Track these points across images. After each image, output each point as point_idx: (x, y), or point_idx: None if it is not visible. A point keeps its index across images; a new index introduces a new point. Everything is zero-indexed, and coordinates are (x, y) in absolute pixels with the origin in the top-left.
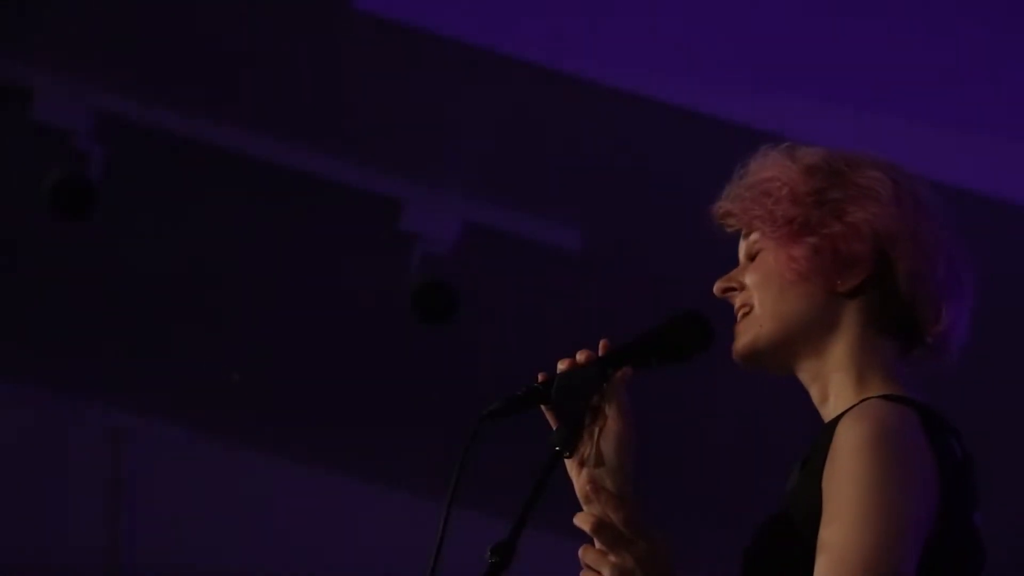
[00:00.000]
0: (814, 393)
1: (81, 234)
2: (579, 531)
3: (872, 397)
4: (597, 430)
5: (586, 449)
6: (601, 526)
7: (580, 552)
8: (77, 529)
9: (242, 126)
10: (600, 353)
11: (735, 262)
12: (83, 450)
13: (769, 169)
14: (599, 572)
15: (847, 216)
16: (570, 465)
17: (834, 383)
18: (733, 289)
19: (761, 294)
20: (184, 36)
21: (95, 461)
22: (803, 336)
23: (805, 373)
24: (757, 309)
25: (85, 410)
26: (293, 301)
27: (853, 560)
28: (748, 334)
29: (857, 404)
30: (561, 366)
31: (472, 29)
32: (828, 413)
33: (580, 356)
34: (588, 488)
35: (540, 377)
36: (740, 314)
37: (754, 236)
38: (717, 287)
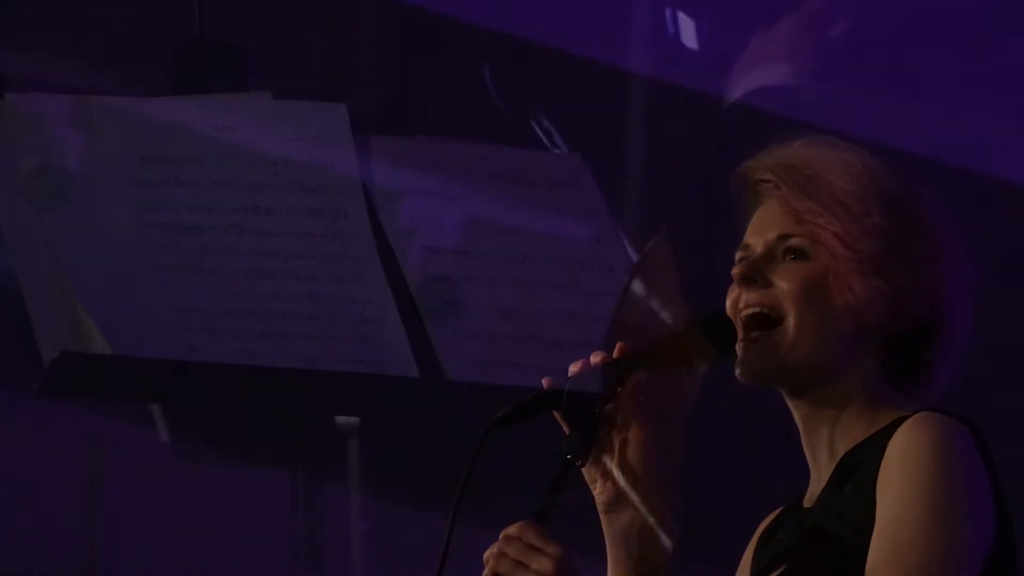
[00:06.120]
0: (808, 419)
1: (59, 226)
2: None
3: (920, 410)
4: (618, 439)
5: (607, 460)
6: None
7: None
8: (56, 536)
9: None
10: (615, 356)
11: None
12: (61, 455)
13: (846, 178)
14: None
15: (918, 273)
16: (589, 475)
17: (837, 412)
18: (754, 282)
19: (801, 312)
20: (169, 22)
21: (73, 466)
22: (827, 369)
23: (805, 399)
24: (792, 330)
25: (63, 414)
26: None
27: (917, 566)
28: (774, 356)
29: (900, 418)
30: (573, 369)
31: (478, 15)
32: (826, 441)
33: (594, 359)
34: (610, 500)
35: (545, 383)
36: (751, 313)
37: (801, 238)
38: (741, 272)
